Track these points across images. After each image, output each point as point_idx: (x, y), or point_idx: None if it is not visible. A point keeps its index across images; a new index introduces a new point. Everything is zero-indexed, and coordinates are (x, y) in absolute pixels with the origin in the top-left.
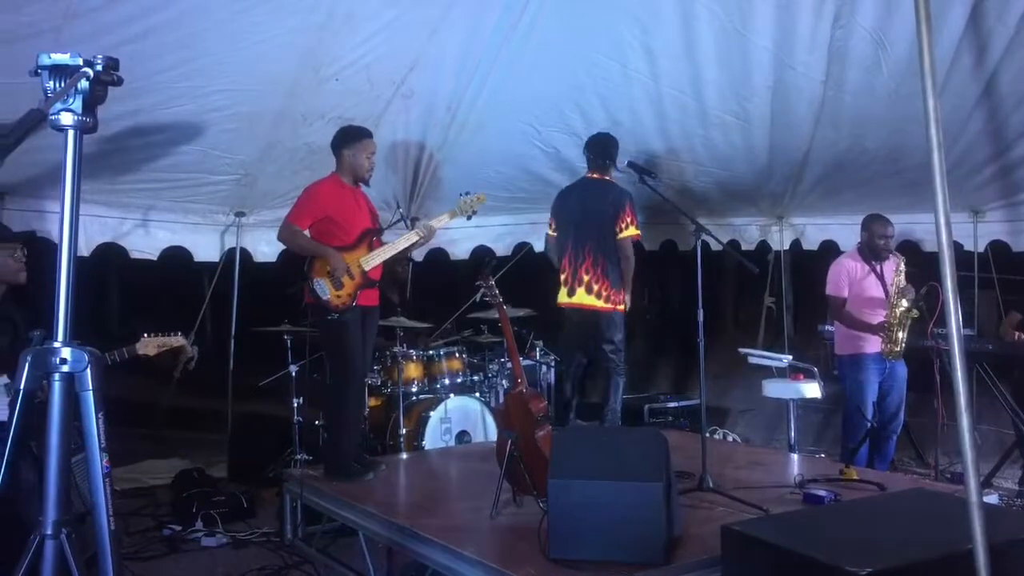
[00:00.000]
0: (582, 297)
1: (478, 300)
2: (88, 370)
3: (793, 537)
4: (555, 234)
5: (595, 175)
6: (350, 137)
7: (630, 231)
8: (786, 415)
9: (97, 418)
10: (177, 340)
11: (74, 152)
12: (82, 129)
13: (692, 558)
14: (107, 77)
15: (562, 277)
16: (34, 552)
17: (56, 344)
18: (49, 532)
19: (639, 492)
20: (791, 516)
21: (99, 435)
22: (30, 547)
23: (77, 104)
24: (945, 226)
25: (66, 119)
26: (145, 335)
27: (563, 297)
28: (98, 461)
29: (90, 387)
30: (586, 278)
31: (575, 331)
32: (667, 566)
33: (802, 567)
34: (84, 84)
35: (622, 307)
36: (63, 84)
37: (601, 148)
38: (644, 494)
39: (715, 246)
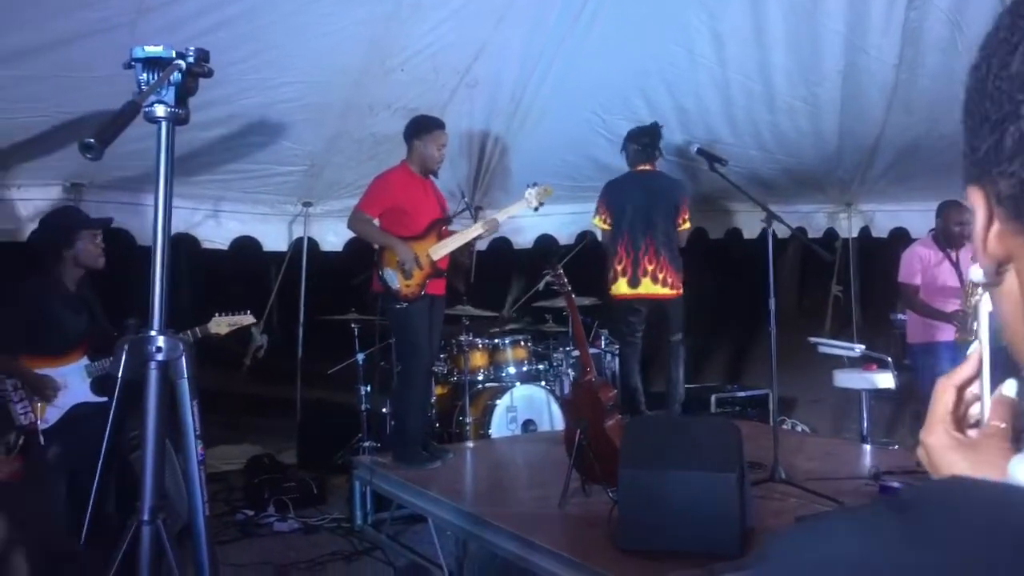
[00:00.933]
0: (648, 287)
1: (541, 288)
2: (183, 358)
3: None
4: (609, 227)
5: (648, 167)
6: (422, 127)
7: (687, 225)
8: (858, 405)
9: (192, 406)
10: (247, 319)
11: (167, 143)
12: (175, 120)
13: None
14: (198, 69)
15: (619, 267)
16: (132, 537)
17: (152, 332)
18: (146, 518)
19: (713, 482)
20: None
21: (195, 422)
22: (127, 532)
23: (170, 96)
24: None
25: (159, 111)
26: (217, 314)
27: (623, 288)
28: (194, 448)
29: (185, 375)
30: (650, 268)
31: (638, 321)
32: (742, 558)
33: None
34: (177, 76)
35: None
36: (156, 76)
37: (649, 139)
38: (718, 484)
39: (784, 233)
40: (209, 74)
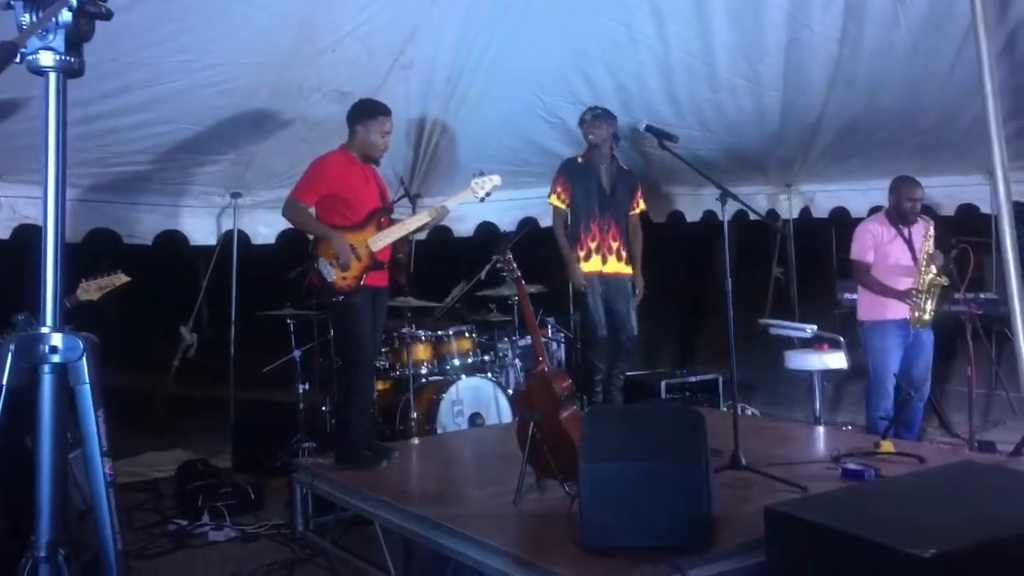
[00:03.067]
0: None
1: (483, 278)
2: (84, 359)
3: (842, 517)
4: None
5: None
6: (367, 112)
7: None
8: (811, 387)
9: (96, 416)
10: (120, 278)
11: (57, 99)
12: (66, 72)
13: (734, 541)
14: (93, 8)
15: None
16: None
17: (45, 329)
18: (43, 554)
19: (678, 474)
20: (835, 494)
21: (100, 436)
22: (22, 572)
23: (59, 41)
24: (1003, 182)
25: (46, 59)
26: (83, 280)
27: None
28: (99, 467)
29: (87, 380)
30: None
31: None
32: (709, 551)
33: (857, 549)
34: (66, 16)
35: None
36: (40, 16)
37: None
38: (684, 476)
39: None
40: (108, 15)
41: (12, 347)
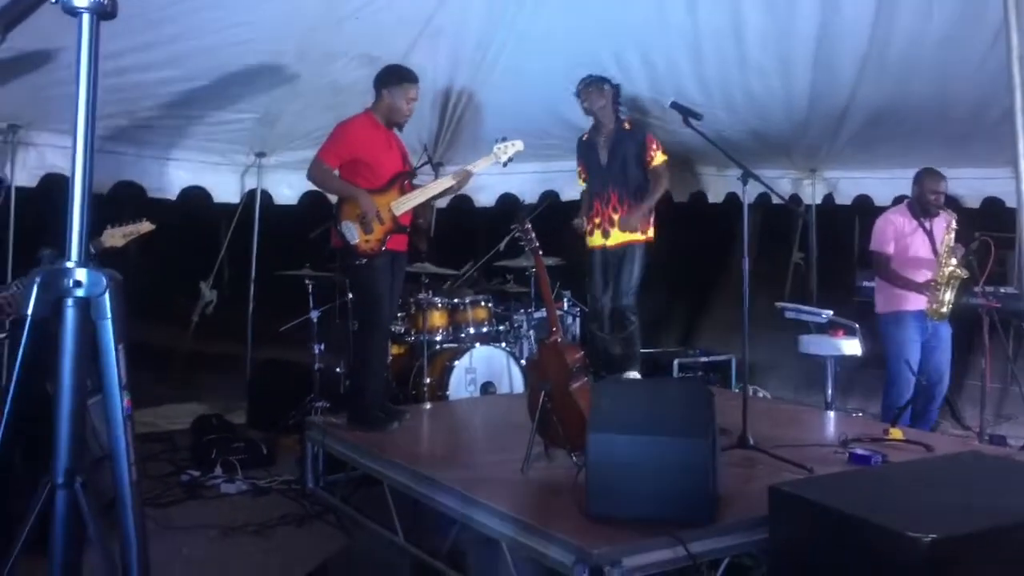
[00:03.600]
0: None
1: (502, 249)
2: (107, 295)
3: (845, 499)
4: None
5: None
6: (394, 77)
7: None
8: (824, 372)
9: (117, 351)
10: (145, 226)
11: (90, 40)
12: (99, 12)
13: (737, 517)
14: None
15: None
16: (44, 503)
17: (69, 264)
18: (61, 481)
19: (684, 448)
20: (841, 477)
21: (119, 370)
22: (40, 497)
23: None
24: None
25: (79, 0)
26: (109, 226)
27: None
28: (118, 400)
29: (109, 315)
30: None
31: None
32: (712, 525)
33: (857, 531)
34: None
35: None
36: None
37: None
38: (689, 450)
39: (748, 198)
40: None
41: (37, 280)
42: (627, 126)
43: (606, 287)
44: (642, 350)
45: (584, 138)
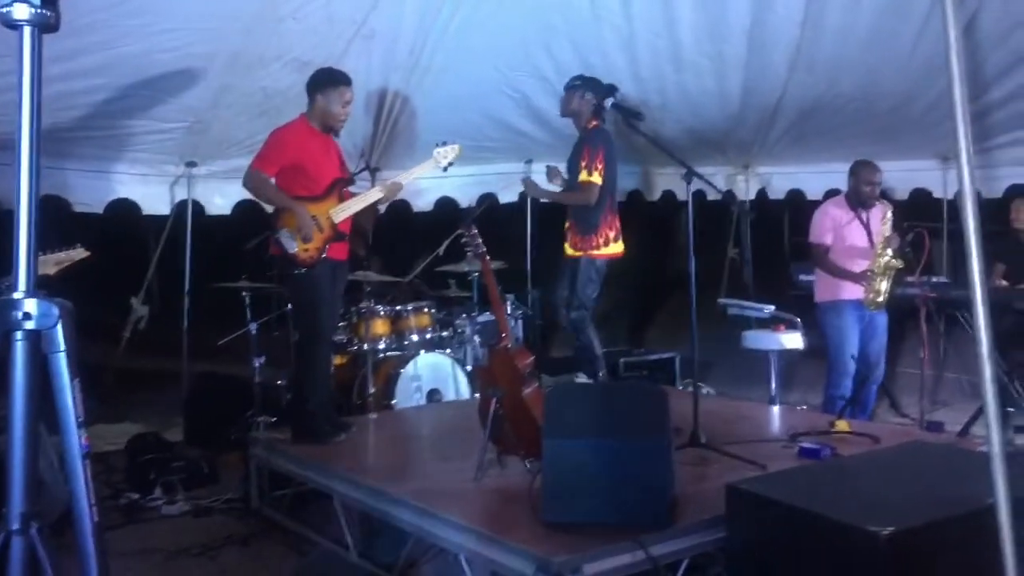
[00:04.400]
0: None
1: (441, 253)
2: (59, 327)
3: (801, 495)
4: (602, 181)
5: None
6: (327, 81)
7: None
8: (767, 366)
9: (72, 386)
10: (78, 253)
11: (32, 55)
12: (42, 26)
13: (694, 518)
14: None
15: (617, 226)
16: None
17: (17, 294)
18: (16, 527)
19: (641, 450)
20: (794, 472)
21: (75, 406)
22: None
23: None
24: (967, 166)
25: (20, 12)
26: (40, 254)
27: (619, 247)
28: (76, 439)
29: (62, 348)
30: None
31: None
32: (671, 527)
33: (816, 527)
34: None
35: None
36: None
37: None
38: (647, 452)
39: (712, 195)
40: None
41: None
42: (589, 127)
43: (566, 295)
44: None
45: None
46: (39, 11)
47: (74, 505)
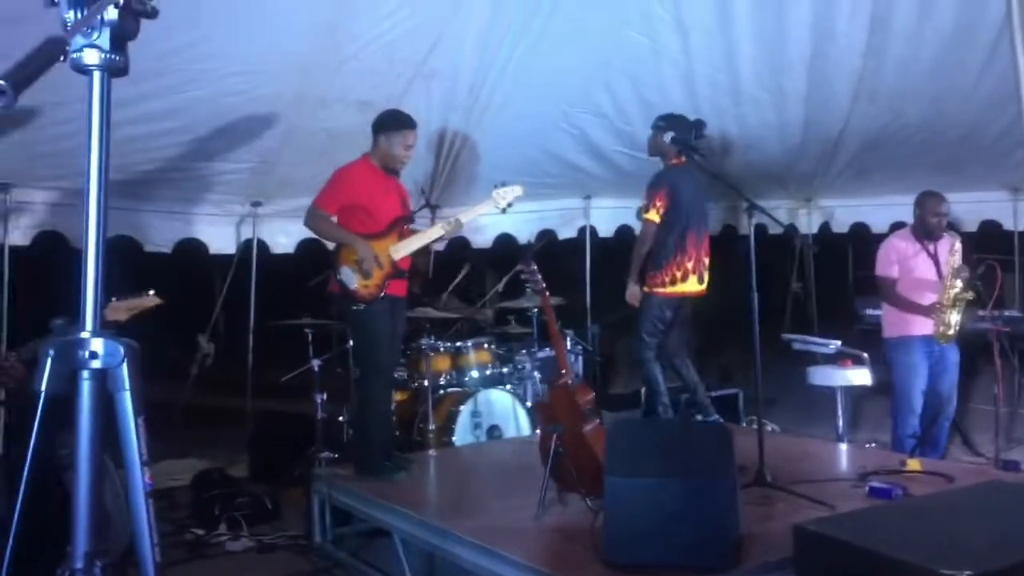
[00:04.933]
0: (704, 284)
1: (501, 289)
2: (125, 365)
3: (872, 537)
4: (660, 219)
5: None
6: (391, 123)
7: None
8: (834, 403)
9: (137, 424)
10: (150, 300)
11: (101, 98)
12: (111, 70)
13: (760, 560)
14: (139, 5)
15: (689, 265)
16: None
17: (84, 334)
18: (80, 566)
19: (706, 490)
20: (864, 513)
21: (140, 444)
22: None
23: (104, 39)
24: None
25: (90, 57)
26: (113, 299)
27: (693, 286)
28: (139, 477)
29: (127, 386)
30: (706, 261)
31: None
32: (735, 569)
33: (888, 570)
34: (112, 13)
35: None
36: (85, 13)
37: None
38: (711, 492)
39: (745, 230)
40: (154, 14)
41: (52, 352)
42: (670, 165)
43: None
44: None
45: None
46: (109, 56)
47: (137, 544)
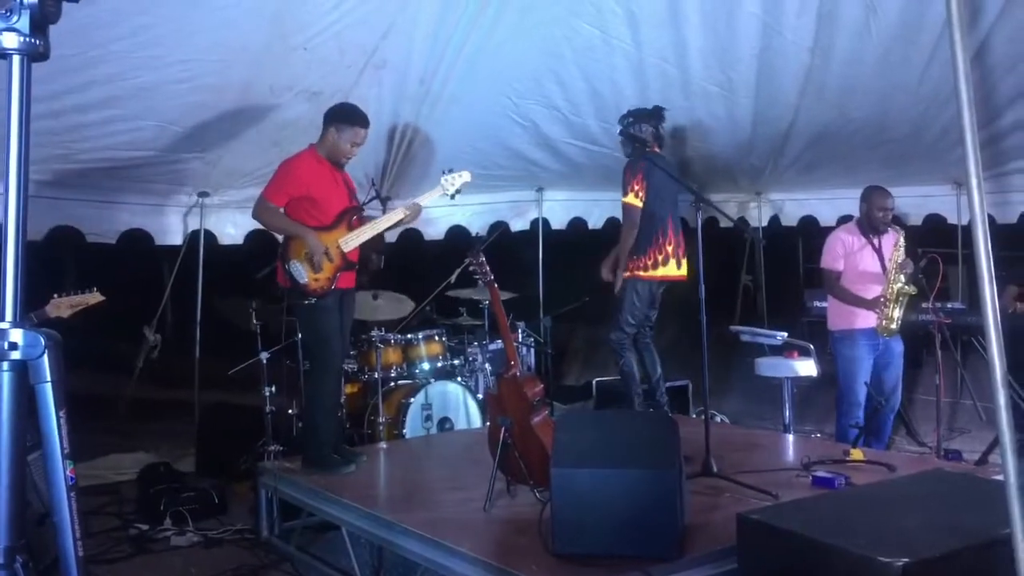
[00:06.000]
0: (683, 270)
1: (452, 281)
2: (46, 357)
3: (814, 525)
4: (642, 203)
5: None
6: (344, 117)
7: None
8: (780, 394)
9: (58, 417)
10: (94, 297)
11: (21, 84)
12: (31, 55)
13: (705, 549)
14: None
15: (669, 249)
16: None
17: (3, 325)
18: (1, 561)
19: (652, 480)
20: (807, 502)
21: (61, 438)
22: None
23: (23, 23)
24: (977, 189)
25: (9, 41)
26: (56, 295)
27: (673, 270)
28: (61, 471)
29: (48, 378)
30: (684, 246)
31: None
32: (681, 559)
33: (829, 558)
34: None
35: None
36: None
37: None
38: (657, 482)
39: (693, 223)
40: None
41: None
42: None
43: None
44: (600, 379)
45: None
46: (28, 39)
47: (59, 539)
